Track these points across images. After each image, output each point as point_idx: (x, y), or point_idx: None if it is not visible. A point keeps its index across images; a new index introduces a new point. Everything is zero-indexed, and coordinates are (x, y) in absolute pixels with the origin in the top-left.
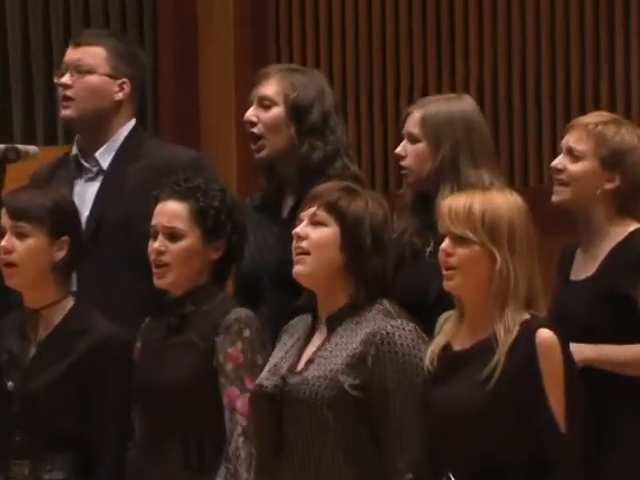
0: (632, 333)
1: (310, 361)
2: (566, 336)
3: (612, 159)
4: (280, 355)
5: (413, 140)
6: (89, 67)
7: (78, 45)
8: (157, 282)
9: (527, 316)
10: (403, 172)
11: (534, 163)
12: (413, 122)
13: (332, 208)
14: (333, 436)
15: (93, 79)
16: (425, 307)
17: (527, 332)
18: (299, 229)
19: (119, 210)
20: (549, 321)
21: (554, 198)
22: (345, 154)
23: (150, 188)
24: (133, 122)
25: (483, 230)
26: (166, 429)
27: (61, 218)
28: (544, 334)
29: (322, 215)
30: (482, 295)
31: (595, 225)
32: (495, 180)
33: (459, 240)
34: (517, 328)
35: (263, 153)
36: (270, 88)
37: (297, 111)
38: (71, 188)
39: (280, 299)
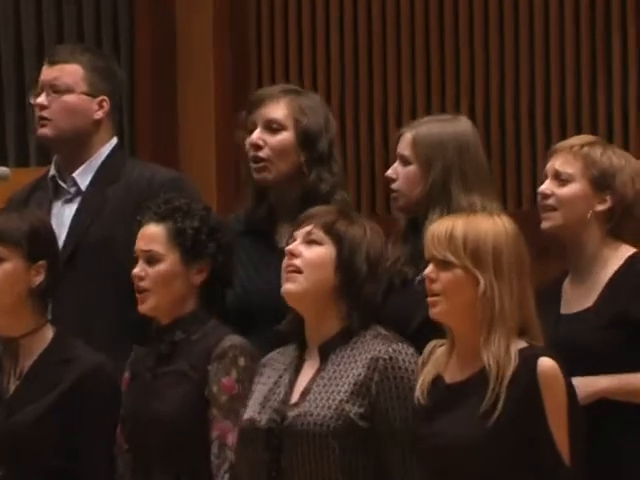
0: None
1: (306, 392)
2: (569, 369)
3: (602, 180)
4: (267, 388)
5: (404, 162)
6: (66, 86)
7: (54, 63)
8: (140, 308)
9: (523, 344)
10: (393, 195)
11: (527, 186)
12: (405, 143)
13: (329, 229)
14: (338, 467)
15: (71, 99)
16: (407, 335)
17: (527, 362)
18: (292, 246)
19: (97, 233)
20: (548, 350)
21: (544, 225)
22: (342, 187)
23: (130, 210)
24: (114, 141)
25: (465, 253)
26: (155, 463)
27: (38, 242)
28: (546, 363)
29: (318, 234)
30: (469, 322)
31: (588, 251)
32: (488, 204)
33: (442, 265)
34: (515, 357)
35: (266, 174)
36: (279, 111)
37: (308, 138)
38: (49, 210)
39: (273, 330)
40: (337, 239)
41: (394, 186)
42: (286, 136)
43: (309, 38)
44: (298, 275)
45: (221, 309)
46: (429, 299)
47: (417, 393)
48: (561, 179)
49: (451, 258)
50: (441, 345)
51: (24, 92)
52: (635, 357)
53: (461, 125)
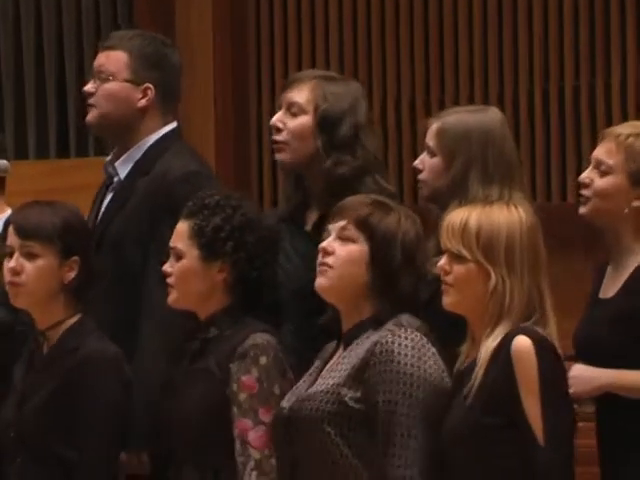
0: None
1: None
2: (587, 356)
3: None
4: (304, 378)
5: (430, 153)
6: (109, 73)
7: (104, 49)
8: (168, 300)
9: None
10: (419, 185)
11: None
12: (431, 134)
13: (362, 224)
14: (337, 450)
15: (112, 86)
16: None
17: (506, 342)
18: (326, 243)
19: (117, 227)
20: (532, 329)
21: (581, 210)
22: (377, 170)
23: (145, 205)
24: (166, 128)
25: (478, 248)
26: (181, 458)
27: (72, 237)
28: (519, 340)
29: (351, 230)
30: (480, 313)
31: (623, 243)
32: (510, 195)
33: (456, 257)
34: (499, 339)
35: (282, 156)
36: (301, 95)
37: (326, 123)
38: (103, 197)
39: (302, 318)
40: (370, 235)
41: (420, 177)
42: (304, 120)
43: (308, 37)
44: (329, 270)
45: (261, 306)
46: (442, 288)
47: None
48: (601, 169)
49: (464, 252)
50: None
51: (23, 86)
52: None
53: (489, 116)
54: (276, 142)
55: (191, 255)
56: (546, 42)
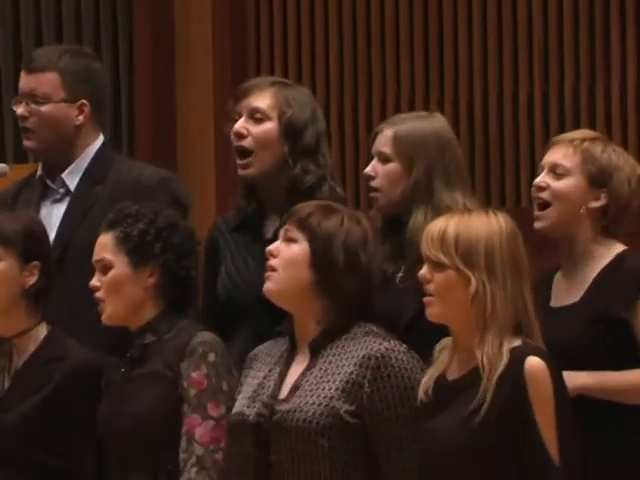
0: (626, 358)
1: (295, 388)
2: (560, 363)
3: (599, 177)
4: (256, 382)
5: (384, 160)
6: (44, 96)
7: (30, 72)
8: (102, 319)
9: (517, 343)
10: (373, 194)
11: (511, 184)
12: (384, 140)
13: (303, 224)
14: (327, 463)
15: (49, 109)
16: (397, 333)
17: (516, 361)
18: (272, 246)
19: (85, 235)
20: (540, 349)
21: (536, 224)
22: (332, 177)
23: None
24: (101, 139)
25: (457, 254)
26: (132, 464)
27: (32, 242)
28: (533, 362)
29: (293, 231)
30: (464, 321)
31: (579, 247)
32: (468, 201)
33: (435, 265)
34: (506, 356)
35: (250, 171)
36: (264, 101)
37: (292, 130)
38: (37, 210)
39: (263, 324)
40: (310, 234)
41: (374, 184)
42: (270, 126)
43: (308, 36)
44: (274, 274)
45: (189, 306)
46: (425, 299)
47: (420, 391)
48: (557, 172)
49: (443, 259)
50: (445, 345)
51: None
52: (614, 355)
53: (439, 122)
54: (241, 153)
55: (120, 263)
56: (546, 45)
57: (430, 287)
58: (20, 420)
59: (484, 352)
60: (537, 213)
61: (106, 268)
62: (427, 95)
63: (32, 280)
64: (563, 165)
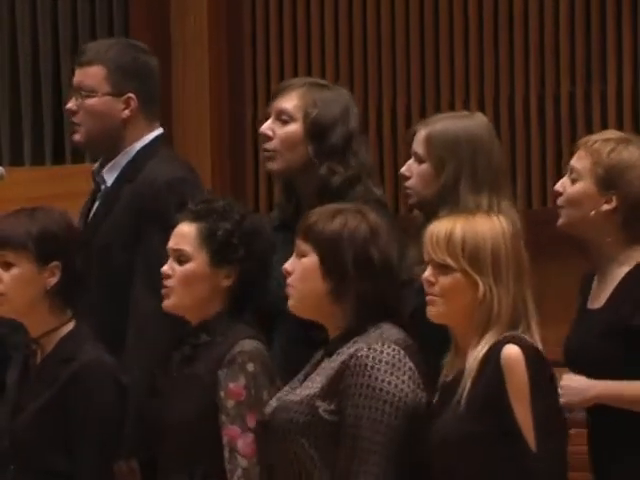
0: None
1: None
2: (577, 367)
3: (608, 178)
4: (288, 386)
5: (419, 160)
6: (89, 89)
7: (80, 66)
8: (163, 304)
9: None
10: (406, 192)
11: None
12: (419, 141)
13: (308, 235)
14: (310, 462)
15: (94, 102)
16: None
17: (495, 349)
18: (287, 264)
19: (104, 234)
20: (521, 337)
21: (558, 223)
22: (368, 177)
23: (132, 211)
24: (152, 135)
25: (464, 257)
26: (170, 465)
27: (48, 243)
28: (509, 350)
29: (302, 245)
30: (467, 323)
31: (604, 251)
32: (496, 203)
33: (441, 268)
34: (486, 348)
35: (272, 165)
36: (290, 102)
37: (317, 130)
38: (92, 204)
39: (296, 328)
40: (315, 244)
41: (407, 184)
42: (294, 127)
43: (304, 35)
44: (292, 291)
45: (251, 311)
46: (428, 298)
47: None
48: (572, 177)
49: (450, 262)
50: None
51: (19, 92)
52: (634, 365)
53: (476, 122)
54: (266, 150)
55: (200, 259)
56: (542, 48)
57: (434, 290)
58: (27, 422)
59: (476, 351)
60: (559, 211)
61: (183, 259)
62: (423, 99)
63: (54, 280)
64: (576, 169)
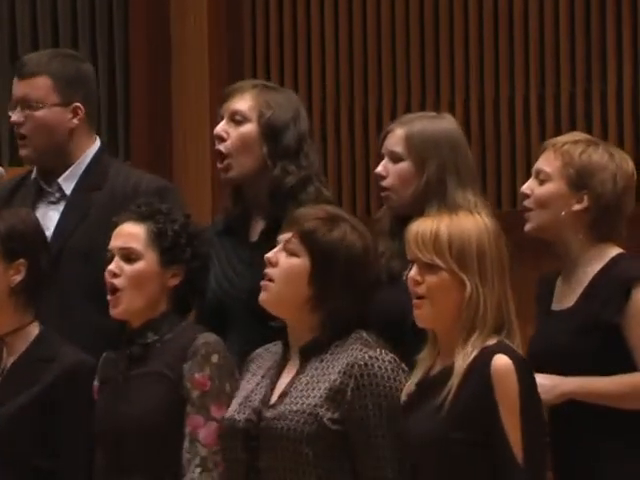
0: (617, 364)
1: (284, 394)
2: (545, 367)
3: (579, 179)
4: (250, 387)
5: (396, 159)
6: (37, 101)
7: (22, 77)
8: (112, 311)
9: (493, 342)
10: (384, 193)
11: (507, 187)
12: (395, 140)
13: (306, 238)
14: (313, 471)
15: (43, 114)
16: (402, 331)
17: (484, 359)
18: (271, 254)
19: (81, 239)
20: (510, 347)
21: (526, 227)
22: (318, 179)
23: (114, 216)
24: (97, 143)
25: (451, 256)
26: (132, 467)
27: (14, 241)
28: (500, 361)
29: (295, 244)
30: (452, 323)
31: (573, 251)
32: (479, 201)
33: (427, 267)
34: (475, 353)
35: (231, 173)
36: (244, 103)
37: (271, 131)
38: (32, 211)
39: (252, 328)
40: (312, 249)
41: (385, 183)
42: (249, 128)
43: (304, 36)
44: (271, 284)
45: (189, 312)
46: (414, 301)
47: (402, 396)
48: (540, 178)
49: (438, 262)
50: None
51: None
52: (606, 361)
53: (450, 122)
54: (220, 155)
55: (151, 258)
56: (542, 48)
57: (420, 289)
58: (7, 421)
59: (463, 352)
60: (525, 215)
61: (132, 258)
62: (423, 98)
63: (18, 278)
64: (544, 170)
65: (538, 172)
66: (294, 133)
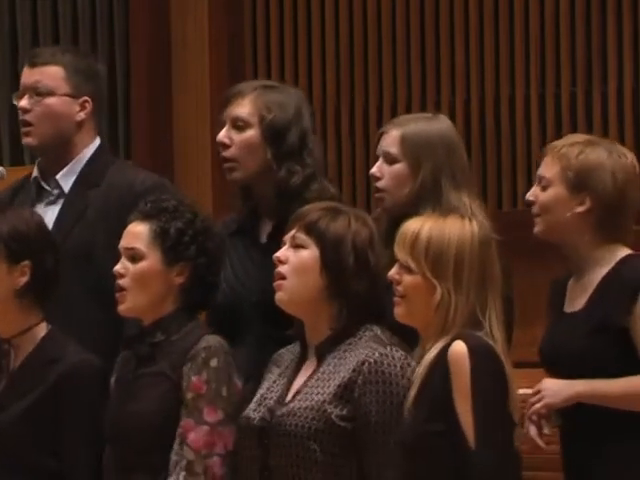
0: (627, 365)
1: (298, 392)
2: (558, 370)
3: (578, 181)
4: (267, 386)
5: (390, 160)
6: (48, 89)
7: (34, 65)
8: (119, 308)
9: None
10: (378, 195)
11: (507, 187)
12: (391, 141)
13: (311, 229)
14: (320, 468)
15: (52, 101)
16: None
17: (444, 350)
18: (279, 253)
19: (79, 237)
20: (472, 335)
21: (534, 230)
22: (323, 175)
23: (111, 214)
24: (97, 142)
25: (427, 261)
26: (135, 465)
27: (19, 243)
28: (454, 347)
29: (301, 237)
30: (427, 323)
31: (582, 253)
32: (474, 203)
33: (405, 267)
34: (435, 352)
35: (235, 174)
36: (244, 109)
37: (273, 134)
38: (33, 206)
39: (265, 329)
40: (319, 238)
41: (379, 185)
42: (251, 133)
43: (304, 34)
44: (284, 282)
45: (203, 310)
46: (394, 299)
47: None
48: (542, 185)
49: (411, 264)
50: None
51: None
52: (618, 363)
53: (444, 124)
54: (226, 160)
55: (154, 257)
56: (543, 49)
57: (399, 288)
58: (14, 421)
59: (434, 347)
60: (534, 219)
61: (137, 258)
62: (424, 97)
63: (23, 280)
64: (545, 177)
65: (540, 178)
66: (297, 132)
